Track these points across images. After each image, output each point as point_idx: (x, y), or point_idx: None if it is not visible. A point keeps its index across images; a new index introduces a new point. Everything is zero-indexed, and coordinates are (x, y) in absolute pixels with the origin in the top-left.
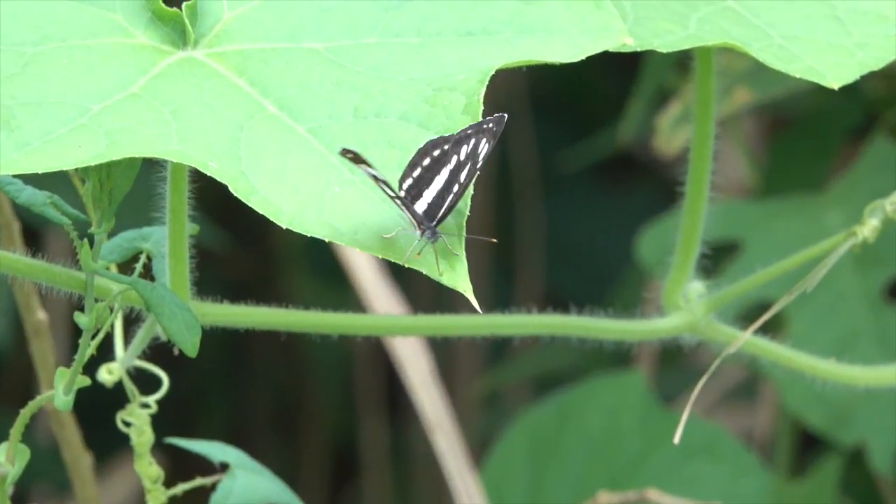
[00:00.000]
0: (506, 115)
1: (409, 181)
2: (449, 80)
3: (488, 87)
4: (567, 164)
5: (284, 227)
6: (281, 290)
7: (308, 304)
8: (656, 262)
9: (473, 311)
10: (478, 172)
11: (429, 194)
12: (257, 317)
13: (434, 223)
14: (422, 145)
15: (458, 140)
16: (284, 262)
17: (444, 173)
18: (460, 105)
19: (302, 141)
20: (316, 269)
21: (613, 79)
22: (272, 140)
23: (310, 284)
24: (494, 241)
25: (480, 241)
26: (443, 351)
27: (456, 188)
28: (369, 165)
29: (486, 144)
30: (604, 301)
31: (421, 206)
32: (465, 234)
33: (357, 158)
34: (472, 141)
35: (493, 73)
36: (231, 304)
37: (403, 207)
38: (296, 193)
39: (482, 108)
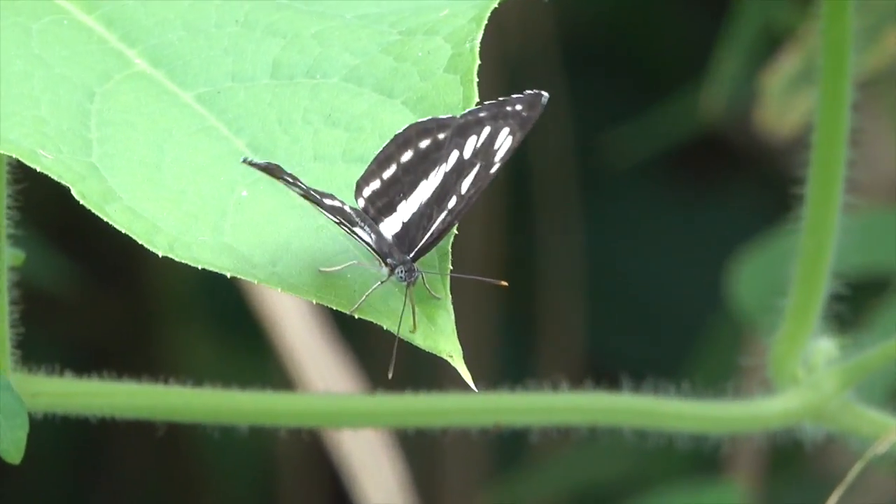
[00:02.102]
0: (545, 95)
1: (373, 185)
2: (424, 16)
3: (495, 33)
4: (619, 153)
5: (161, 255)
6: (160, 354)
7: (203, 376)
8: (759, 307)
9: (467, 387)
10: (492, 179)
11: (406, 209)
12: (121, 397)
13: (412, 254)
14: (401, 130)
15: (461, 127)
16: (165, 310)
17: (435, 177)
18: (443, 58)
19: (189, 115)
20: (214, 321)
21: (692, 17)
22: (141, 114)
23: (205, 346)
24: (503, 284)
25: (480, 282)
26: (421, 452)
27: (453, 202)
28: (296, 182)
29: (510, 137)
30: (676, 371)
31: (391, 226)
32: (450, 267)
33: (274, 171)
34: (487, 130)
35: (498, 4)
36: (79, 377)
37: (360, 229)
38: (179, 200)
39: (478, 63)
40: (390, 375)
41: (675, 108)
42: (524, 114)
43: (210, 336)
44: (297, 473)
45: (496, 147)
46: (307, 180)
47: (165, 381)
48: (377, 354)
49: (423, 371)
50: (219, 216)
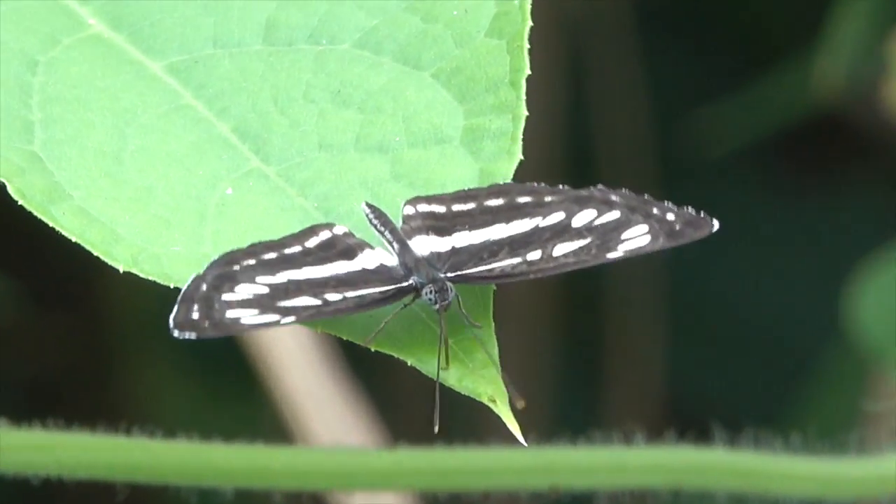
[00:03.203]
0: (715, 225)
1: (434, 208)
2: None
3: None
4: (708, 140)
5: (122, 271)
6: (120, 396)
7: (175, 424)
8: (888, 337)
9: (514, 440)
10: (603, 262)
11: (464, 238)
12: (71, 451)
13: (450, 274)
14: (501, 185)
15: (580, 198)
16: (128, 340)
17: (521, 225)
18: (484, 17)
19: (158, 90)
20: (191, 355)
21: None
22: (97, 89)
23: (179, 386)
24: (521, 404)
25: (529, 307)
26: None
27: (536, 256)
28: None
29: (647, 237)
30: (783, 419)
31: (432, 244)
32: (494, 288)
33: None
34: (615, 215)
35: None
36: (17, 425)
37: (392, 238)
38: (146, 200)
39: (529, 24)
40: (436, 428)
41: (780, 84)
42: (677, 227)
43: (185, 374)
44: None
45: (623, 236)
46: (310, 174)
47: (127, 431)
48: (399, 399)
49: (459, 420)
50: (196, 220)
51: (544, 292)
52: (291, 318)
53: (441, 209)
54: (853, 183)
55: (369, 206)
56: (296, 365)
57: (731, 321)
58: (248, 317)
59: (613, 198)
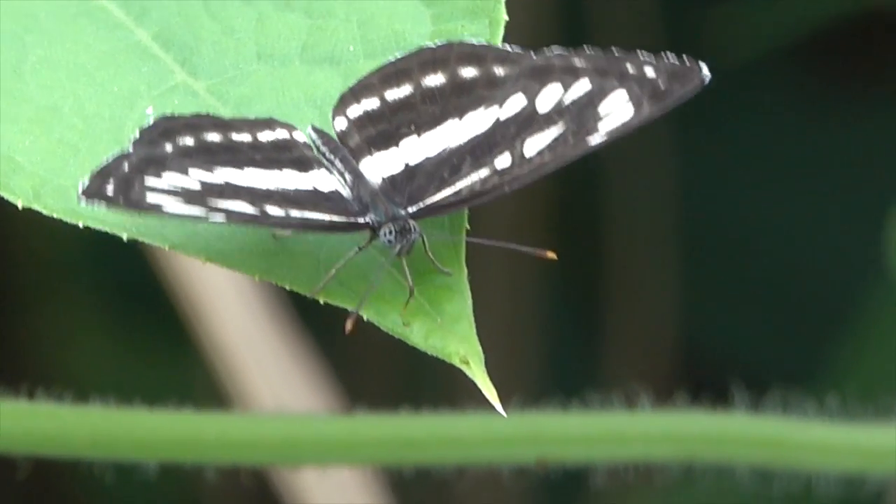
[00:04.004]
0: (705, 72)
1: (366, 105)
2: None
3: None
4: (726, 42)
5: (21, 207)
6: (22, 353)
7: (89, 386)
8: None
9: (489, 405)
10: (587, 151)
11: (414, 148)
12: None
13: (411, 209)
14: (433, 46)
15: (538, 69)
16: (31, 288)
17: (477, 120)
18: None
19: None
20: (106, 304)
21: None
22: None
23: (92, 340)
24: (551, 256)
25: (516, 251)
26: (423, 499)
27: (506, 162)
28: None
29: (629, 106)
30: (815, 377)
31: (383, 166)
32: (467, 227)
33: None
34: (584, 85)
35: None
36: None
37: (320, 169)
38: (50, 121)
39: None
40: (347, 328)
41: None
42: (661, 85)
43: (99, 323)
44: None
45: (600, 111)
46: (246, 91)
47: (30, 394)
48: (356, 355)
49: (427, 379)
50: (110, 146)
51: (525, 228)
52: (220, 218)
53: (374, 104)
54: None
55: (316, 130)
56: (233, 312)
57: (753, 260)
58: (171, 205)
59: (577, 63)
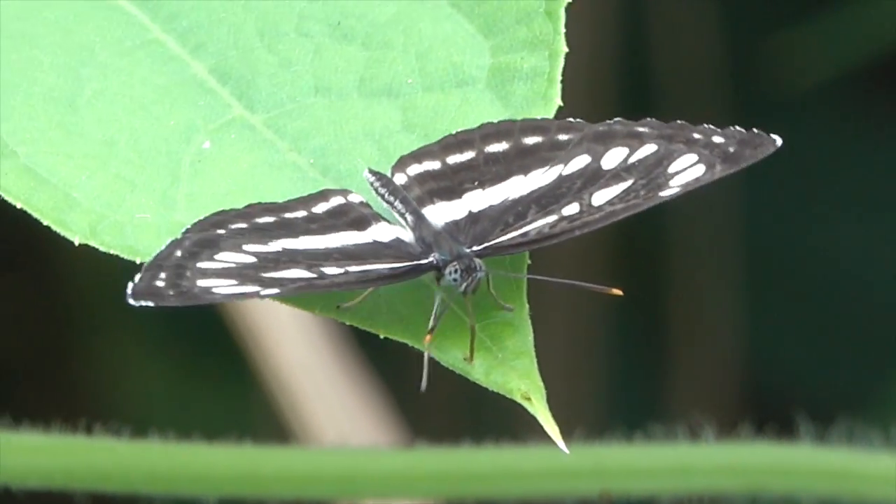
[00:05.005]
0: (778, 141)
1: (427, 166)
2: None
3: None
4: (789, 71)
5: (78, 243)
6: (79, 387)
7: (147, 421)
8: None
9: (551, 438)
10: (658, 201)
11: (478, 198)
12: (19, 455)
13: (476, 248)
14: (495, 122)
15: (600, 134)
16: (86, 320)
17: (541, 176)
18: None
19: (121, 21)
20: (164, 337)
21: None
22: (45, 20)
23: (151, 375)
24: (617, 292)
25: (579, 287)
26: None
27: (573, 209)
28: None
29: (700, 167)
30: (884, 407)
31: (446, 212)
32: (528, 262)
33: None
34: (651, 148)
35: None
36: None
37: (387, 213)
38: (106, 157)
39: None
40: (423, 386)
41: (870, 4)
42: (731, 149)
43: (157, 356)
44: None
45: (671, 169)
46: (304, 124)
47: (88, 429)
48: (419, 392)
49: (490, 412)
50: (167, 181)
51: (589, 259)
52: (274, 291)
53: (435, 165)
54: None
55: (373, 172)
56: (294, 345)
57: (818, 289)
58: (223, 287)
59: (639, 129)
